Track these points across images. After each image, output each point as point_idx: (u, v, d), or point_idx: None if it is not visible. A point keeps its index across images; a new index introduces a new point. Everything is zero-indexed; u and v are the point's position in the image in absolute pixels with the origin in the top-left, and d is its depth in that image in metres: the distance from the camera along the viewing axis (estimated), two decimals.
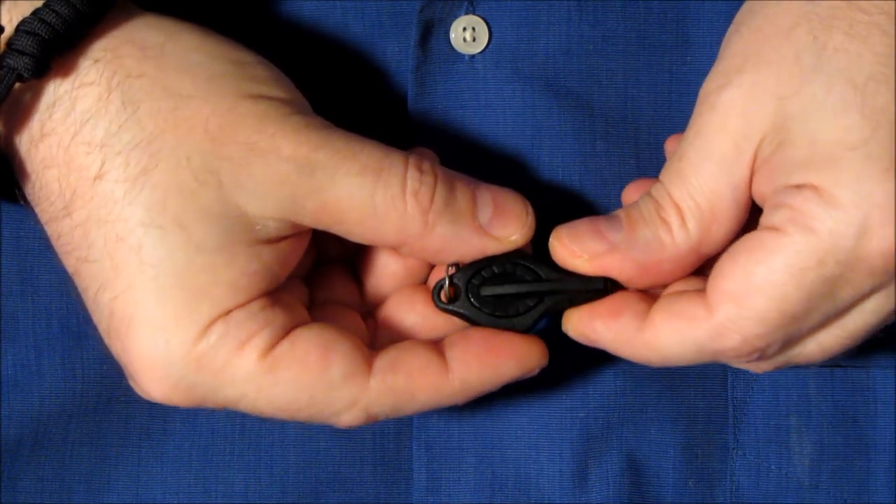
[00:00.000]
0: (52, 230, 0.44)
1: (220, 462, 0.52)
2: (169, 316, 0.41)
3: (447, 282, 0.46)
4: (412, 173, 0.43)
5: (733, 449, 0.52)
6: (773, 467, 0.52)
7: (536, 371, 0.45)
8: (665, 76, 0.50)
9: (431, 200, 0.43)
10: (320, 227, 0.43)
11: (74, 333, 0.51)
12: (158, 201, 0.41)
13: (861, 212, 0.41)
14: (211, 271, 0.42)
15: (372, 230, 0.43)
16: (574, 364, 0.51)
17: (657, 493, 0.52)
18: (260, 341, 0.42)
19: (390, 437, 0.52)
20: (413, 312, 0.46)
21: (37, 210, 0.44)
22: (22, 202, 0.44)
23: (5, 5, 0.43)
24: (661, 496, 0.52)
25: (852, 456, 0.52)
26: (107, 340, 0.43)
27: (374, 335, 0.46)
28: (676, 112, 0.51)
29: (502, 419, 0.51)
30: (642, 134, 0.51)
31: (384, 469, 0.52)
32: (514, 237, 0.45)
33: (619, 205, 0.51)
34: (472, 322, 0.46)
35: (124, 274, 0.42)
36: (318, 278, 0.47)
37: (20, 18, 0.42)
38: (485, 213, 0.45)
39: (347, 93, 0.51)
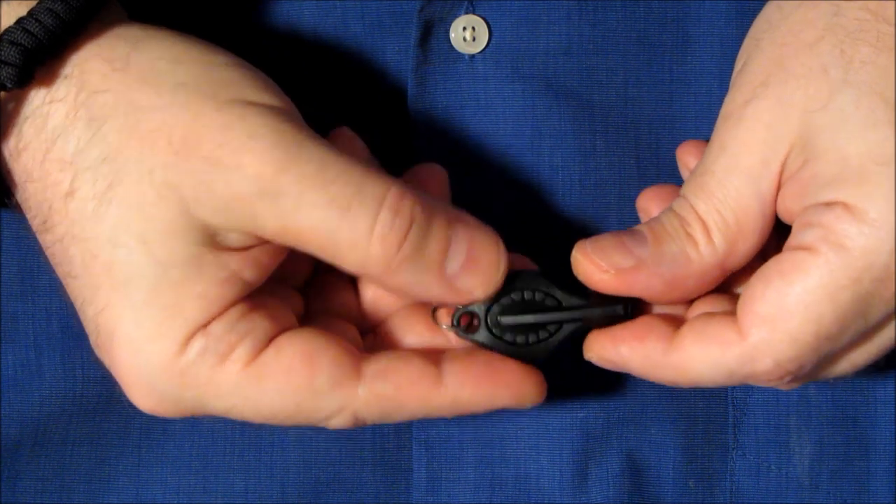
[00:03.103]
0: (40, 241, 0.44)
1: (220, 462, 0.52)
2: (146, 334, 0.41)
3: (462, 310, 0.45)
4: (384, 215, 0.41)
5: (733, 449, 0.52)
6: (773, 467, 0.52)
7: (528, 406, 0.44)
8: (665, 76, 0.50)
9: (399, 247, 0.41)
10: (280, 243, 0.42)
11: (74, 333, 0.51)
12: (123, 218, 0.41)
13: (893, 228, 0.40)
14: (179, 287, 0.41)
15: (332, 258, 0.42)
16: (574, 364, 0.51)
17: (657, 493, 0.52)
18: (242, 352, 0.42)
19: (390, 437, 0.52)
20: (412, 333, 0.46)
21: (27, 218, 0.44)
22: (16, 210, 0.44)
23: (5, 5, 0.43)
24: (661, 496, 0.52)
25: (852, 456, 0.52)
26: (97, 352, 0.43)
27: (370, 351, 0.46)
28: (676, 112, 0.51)
29: (502, 419, 0.51)
30: (642, 134, 0.51)
31: (384, 469, 0.52)
32: (476, 293, 0.44)
33: (618, 205, 0.51)
34: (491, 350, 0.45)
35: (102, 291, 0.42)
36: (316, 289, 0.47)
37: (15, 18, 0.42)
38: (455, 261, 0.43)
39: (347, 93, 0.51)
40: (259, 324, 0.42)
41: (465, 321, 0.45)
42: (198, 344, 0.41)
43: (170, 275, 0.41)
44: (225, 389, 0.42)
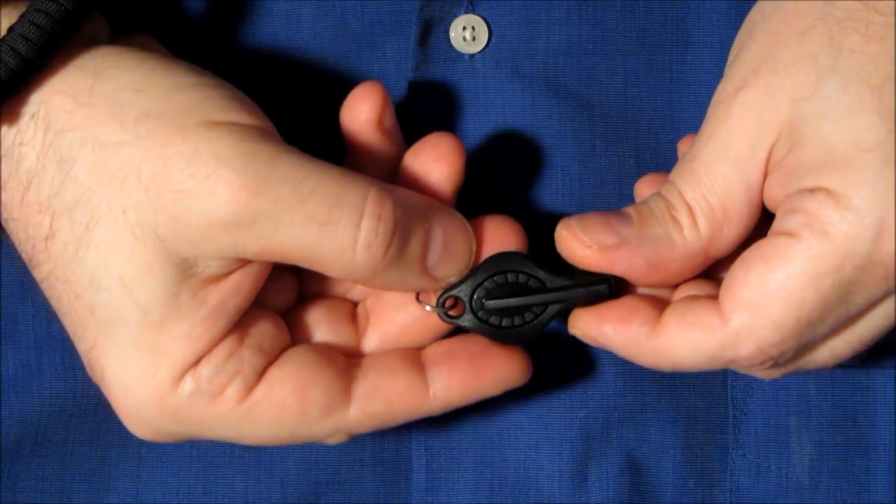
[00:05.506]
0: (33, 275, 0.44)
1: (220, 462, 0.52)
2: (134, 375, 0.42)
3: (448, 294, 0.45)
4: (367, 223, 0.41)
5: (733, 449, 0.52)
6: (773, 467, 0.52)
7: (517, 386, 0.45)
8: (665, 76, 0.50)
9: (385, 252, 0.42)
10: (264, 260, 0.42)
11: None
12: (102, 261, 0.41)
13: (877, 215, 0.40)
14: (161, 330, 0.41)
15: (318, 268, 0.42)
16: (574, 364, 0.51)
17: (657, 493, 0.52)
18: (232, 392, 0.42)
19: (390, 437, 0.52)
20: (404, 313, 0.46)
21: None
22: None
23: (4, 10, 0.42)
24: (661, 496, 0.52)
25: (852, 456, 0.52)
26: (93, 381, 0.44)
27: (363, 331, 0.46)
28: (676, 112, 0.51)
29: (502, 419, 0.51)
30: (642, 134, 0.51)
31: (384, 469, 0.52)
32: (451, 278, 0.45)
33: (618, 205, 0.50)
34: (479, 334, 0.46)
35: (89, 331, 0.42)
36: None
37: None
38: (433, 255, 0.44)
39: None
40: (248, 361, 0.43)
41: (451, 303, 0.46)
42: (188, 385, 0.42)
43: (150, 318, 0.41)
44: (218, 424, 0.43)
